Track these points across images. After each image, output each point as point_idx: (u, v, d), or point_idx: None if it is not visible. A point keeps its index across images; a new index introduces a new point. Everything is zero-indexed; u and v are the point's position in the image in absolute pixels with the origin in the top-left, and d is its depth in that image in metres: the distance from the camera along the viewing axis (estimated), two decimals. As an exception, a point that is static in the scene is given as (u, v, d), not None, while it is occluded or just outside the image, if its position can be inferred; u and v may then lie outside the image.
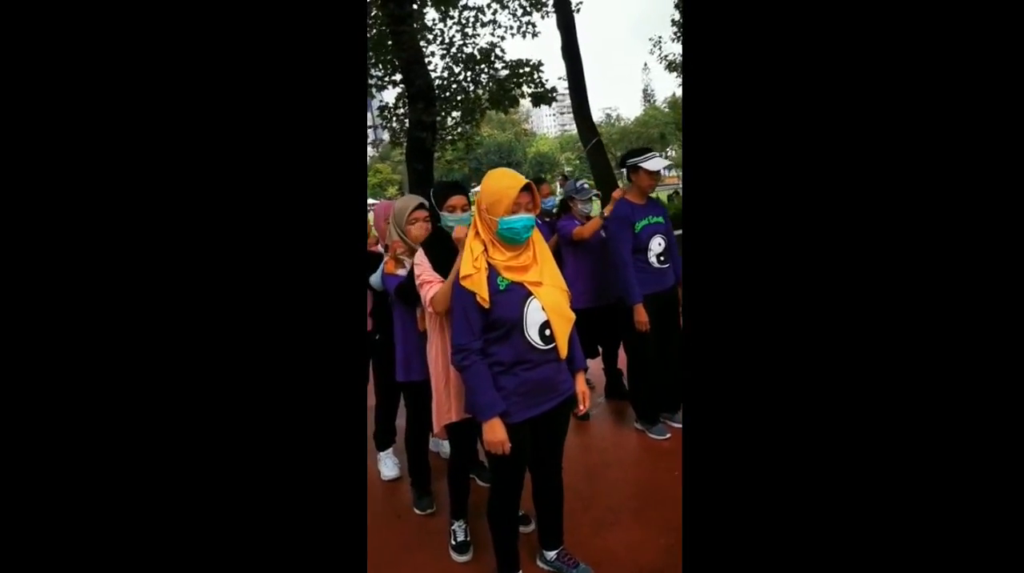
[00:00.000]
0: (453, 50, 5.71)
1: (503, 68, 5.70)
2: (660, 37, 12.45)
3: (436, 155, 5.76)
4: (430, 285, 1.87)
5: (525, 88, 5.69)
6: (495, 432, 1.51)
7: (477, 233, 1.63)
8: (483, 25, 5.36)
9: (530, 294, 1.54)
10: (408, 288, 2.16)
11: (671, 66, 12.32)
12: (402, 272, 2.29)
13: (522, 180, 1.53)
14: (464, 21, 5.48)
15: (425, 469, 2.49)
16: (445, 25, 5.43)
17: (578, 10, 6.14)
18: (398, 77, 5.72)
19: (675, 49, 12.64)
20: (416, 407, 2.40)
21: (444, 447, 2.98)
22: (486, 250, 1.58)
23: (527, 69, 5.53)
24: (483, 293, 1.50)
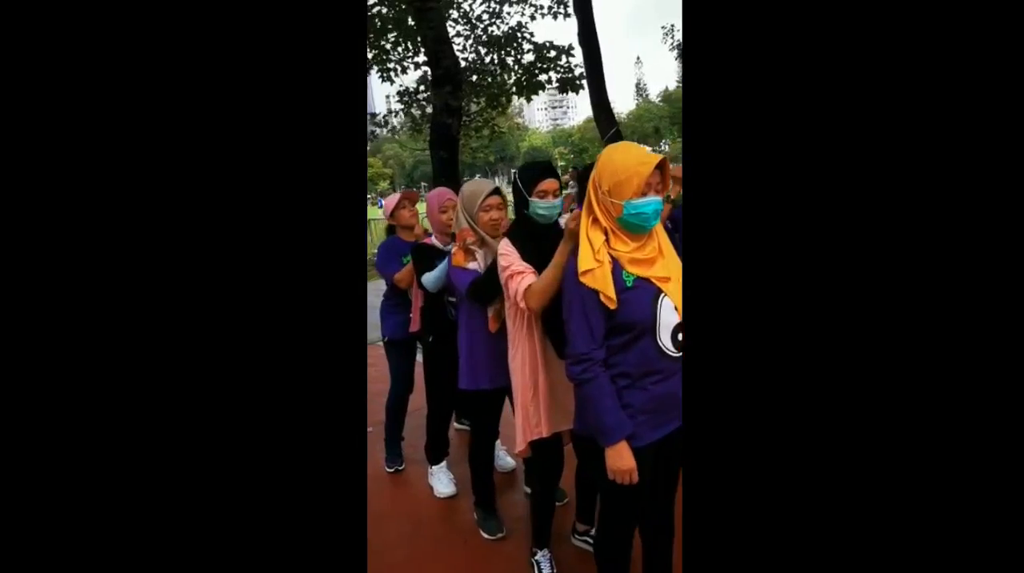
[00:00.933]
0: (478, 31, 5.34)
1: (529, 51, 5.35)
2: (672, 25, 12.30)
3: (460, 143, 5.46)
4: (521, 276, 1.65)
5: (552, 74, 5.35)
6: (623, 458, 1.32)
7: (595, 220, 1.37)
8: (511, 4, 5.00)
9: (660, 291, 1.34)
10: (486, 284, 1.89)
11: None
12: (474, 265, 2.02)
13: (655, 157, 1.33)
14: (492, -3, 5.16)
15: (491, 487, 2.25)
16: (472, 2, 5.09)
17: None
18: (421, 59, 5.38)
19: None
20: (484, 418, 2.14)
21: (506, 461, 2.73)
22: (607, 240, 1.35)
23: (554, 53, 5.18)
24: (609, 291, 1.29)
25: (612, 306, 1.32)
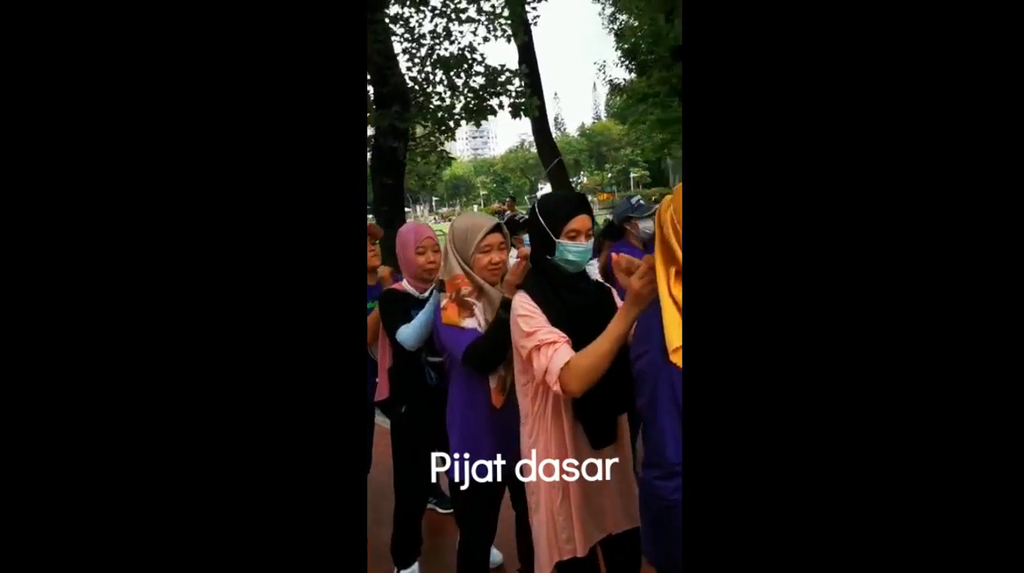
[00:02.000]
0: (423, 50, 4.91)
1: (479, 75, 4.98)
2: (604, 61, 12.71)
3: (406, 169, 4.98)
4: (553, 347, 1.30)
5: (504, 99, 5.01)
6: None
7: (679, 272, 1.07)
8: (461, 23, 4.61)
9: None
10: (491, 348, 1.46)
11: (615, 89, 12.41)
12: (471, 323, 1.56)
13: None
14: (444, 11, 4.67)
15: None
16: (418, 18, 4.63)
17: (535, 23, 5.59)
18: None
19: (619, 73, 13.01)
20: (479, 516, 1.75)
21: (493, 557, 2.24)
22: None
23: (505, 77, 4.84)
24: None
25: None
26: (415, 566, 2.14)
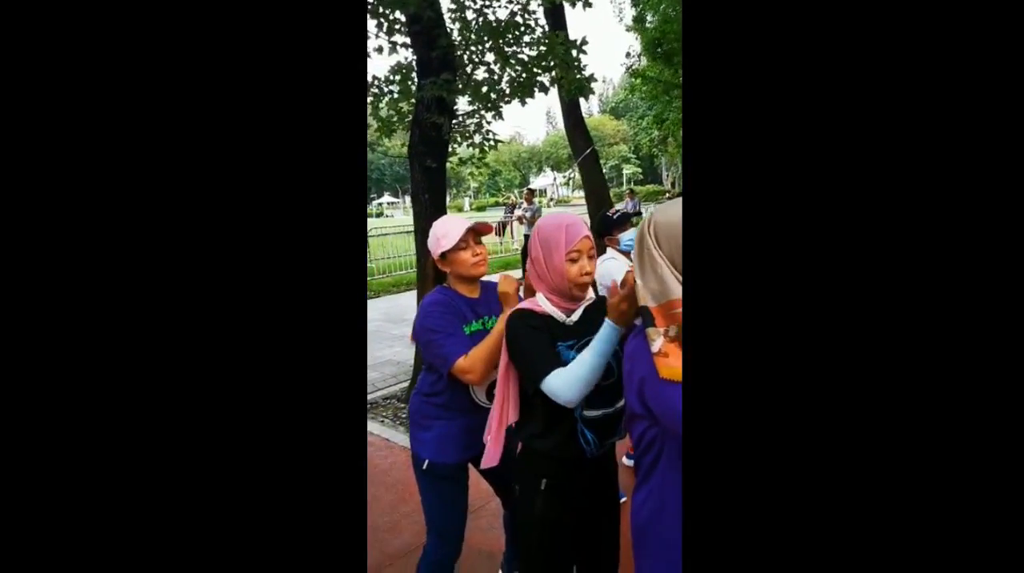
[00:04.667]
0: (470, 13, 4.18)
1: (529, 46, 4.26)
2: (632, 46, 12.36)
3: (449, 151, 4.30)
4: None
5: (557, 72, 4.29)
6: None
7: None
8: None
9: None
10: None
11: (640, 77, 11.89)
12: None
13: None
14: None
15: None
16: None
17: None
18: (400, 39, 4.15)
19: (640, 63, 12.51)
20: None
21: None
22: None
23: (561, 48, 4.13)
24: None
25: None
26: None
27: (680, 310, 1.03)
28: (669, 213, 1.09)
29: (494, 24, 4.23)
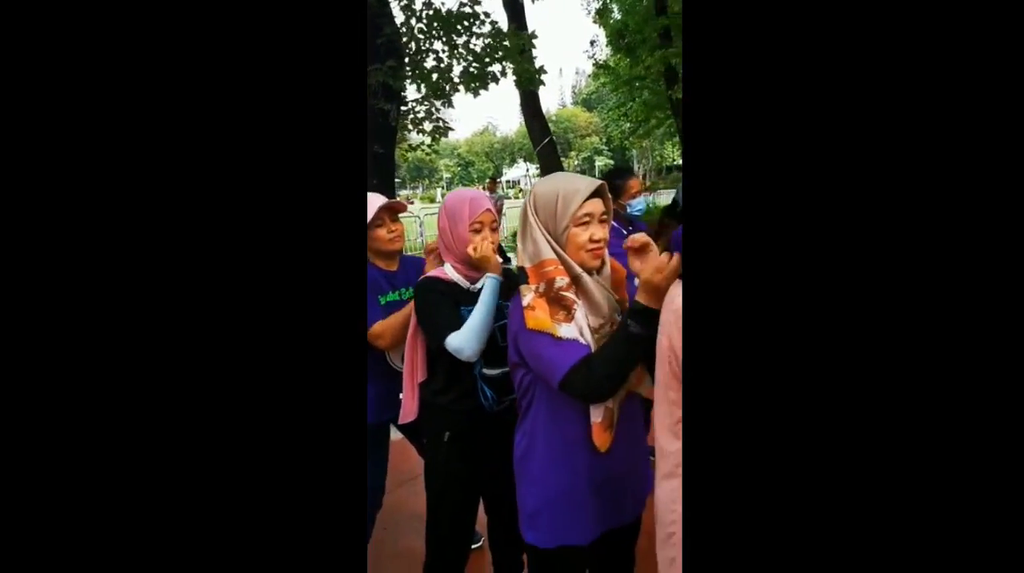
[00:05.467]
0: (418, 3, 4.22)
1: (481, 36, 4.34)
2: (596, 35, 12.41)
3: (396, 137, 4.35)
4: None
5: (509, 64, 4.37)
6: None
7: None
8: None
9: None
10: (612, 373, 1.06)
11: (604, 68, 11.99)
12: (570, 331, 1.12)
13: None
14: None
15: None
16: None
17: None
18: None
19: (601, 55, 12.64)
20: None
21: None
22: None
23: (515, 39, 4.21)
24: None
25: None
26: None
27: (551, 269, 1.16)
28: (544, 187, 1.21)
29: (444, 14, 4.29)
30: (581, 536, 1.25)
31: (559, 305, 1.16)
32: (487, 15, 4.46)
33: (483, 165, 50.05)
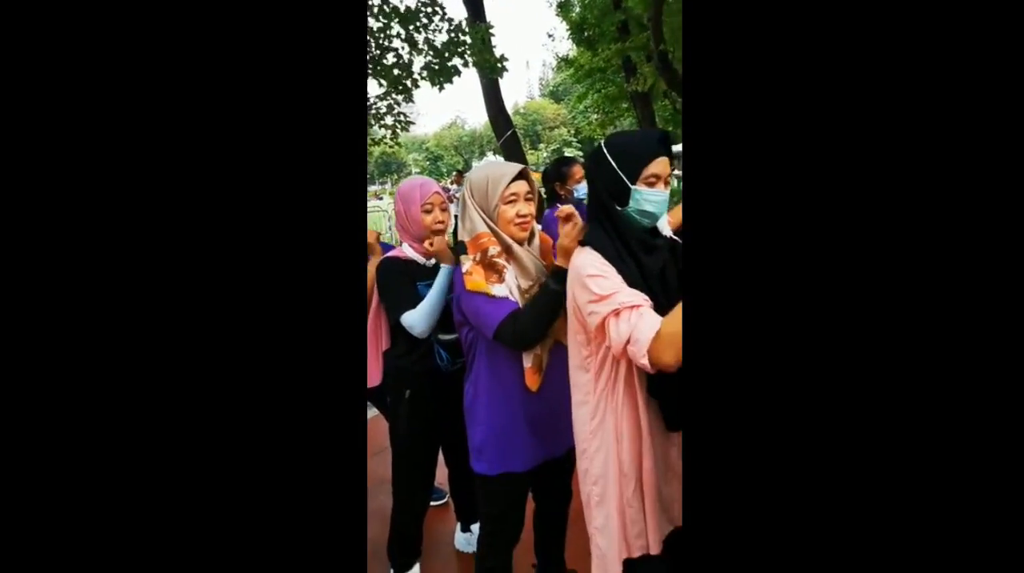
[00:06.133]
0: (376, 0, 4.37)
1: (440, 31, 4.50)
2: (555, 30, 12.50)
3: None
4: (636, 312, 1.08)
5: (469, 58, 4.53)
6: None
7: None
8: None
9: None
10: (536, 323, 1.24)
11: (565, 62, 12.17)
12: (501, 290, 1.33)
13: None
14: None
15: None
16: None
17: None
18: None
19: (563, 47, 12.79)
20: (508, 514, 1.58)
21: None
22: None
23: (472, 34, 4.37)
24: None
25: None
26: (415, 569, 1.88)
27: (484, 240, 1.37)
28: (477, 173, 1.44)
29: (403, 11, 4.45)
30: (521, 464, 1.47)
31: (492, 270, 1.38)
32: (443, 9, 4.63)
33: (452, 159, 49.89)
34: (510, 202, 1.41)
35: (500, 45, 4.71)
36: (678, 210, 2.21)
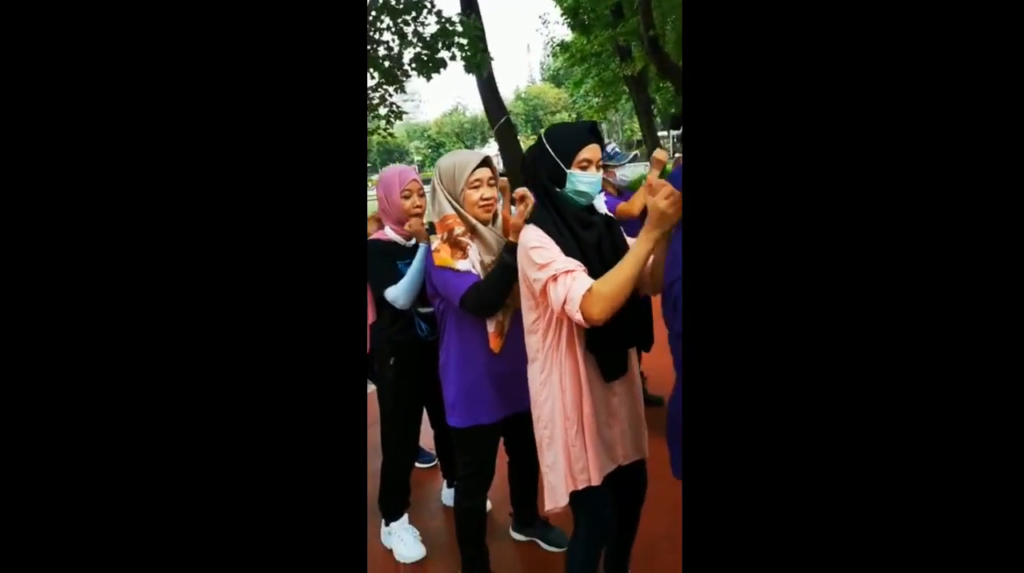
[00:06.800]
0: (369, -5, 4.57)
1: (429, 24, 4.67)
2: (547, 15, 12.52)
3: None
4: (571, 275, 1.27)
5: (456, 51, 4.71)
6: None
7: None
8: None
9: None
10: (496, 288, 1.43)
11: (561, 47, 12.26)
12: (465, 264, 1.53)
13: None
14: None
15: (485, 549, 1.79)
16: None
17: None
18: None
19: (559, 31, 12.85)
20: (481, 459, 1.76)
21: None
22: None
23: (458, 27, 4.54)
24: None
25: None
26: (404, 519, 2.11)
27: (451, 221, 1.58)
28: (445, 161, 1.64)
29: (393, 4, 4.61)
30: (488, 417, 1.69)
31: (457, 247, 1.58)
32: (434, 3, 4.80)
33: (454, 145, 49.79)
34: (474, 187, 1.61)
35: (500, 27, 4.89)
36: (637, 197, 2.39)
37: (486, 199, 1.62)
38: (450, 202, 1.62)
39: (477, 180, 1.61)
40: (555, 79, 49.10)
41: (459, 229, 1.60)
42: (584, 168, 1.36)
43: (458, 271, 1.57)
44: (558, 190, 1.39)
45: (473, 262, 1.60)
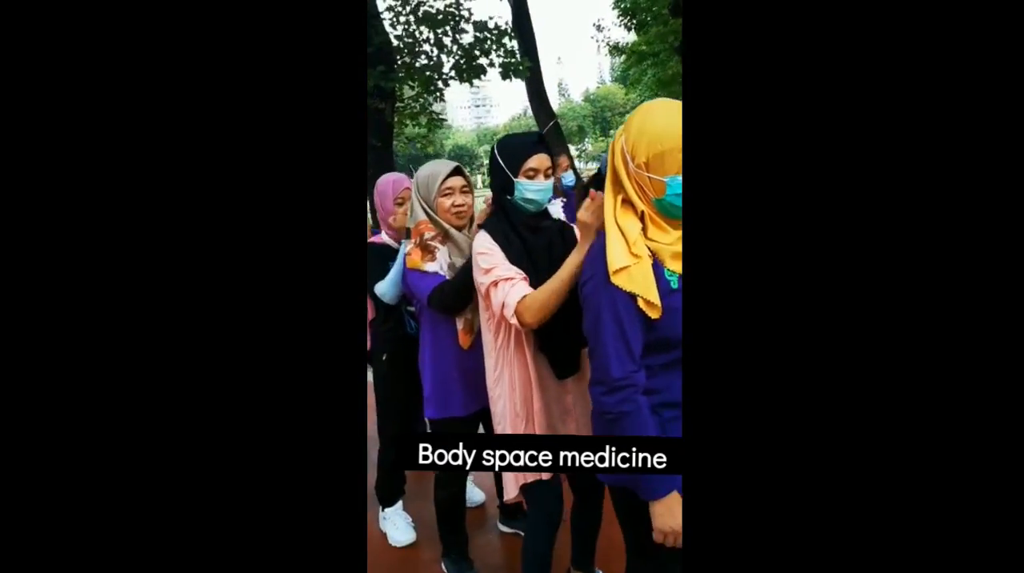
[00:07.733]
0: (410, 5, 4.77)
1: (466, 32, 4.85)
2: (601, 20, 12.46)
3: (395, 131, 4.92)
4: (510, 283, 1.34)
5: (494, 57, 4.85)
6: (674, 516, 1.02)
7: (626, 202, 1.10)
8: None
9: None
10: (455, 290, 1.51)
11: (615, 49, 12.17)
12: (433, 266, 1.61)
13: None
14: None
15: (463, 531, 1.86)
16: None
17: None
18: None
19: (618, 34, 12.76)
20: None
21: (474, 494, 2.33)
22: (644, 229, 1.07)
23: (493, 33, 4.68)
24: (652, 295, 1.01)
25: (656, 315, 1.02)
26: (398, 505, 2.23)
27: (423, 227, 1.68)
28: (422, 171, 1.74)
29: (433, 13, 4.79)
30: (461, 410, 1.78)
31: (426, 250, 1.68)
32: (471, 13, 4.94)
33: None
34: (446, 195, 1.71)
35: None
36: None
37: (458, 206, 1.71)
38: (424, 209, 1.73)
39: (449, 188, 1.70)
40: (622, 80, 48.44)
41: (429, 234, 1.70)
42: (531, 177, 1.42)
43: (426, 272, 1.66)
44: (508, 197, 1.46)
45: (442, 264, 1.69)
